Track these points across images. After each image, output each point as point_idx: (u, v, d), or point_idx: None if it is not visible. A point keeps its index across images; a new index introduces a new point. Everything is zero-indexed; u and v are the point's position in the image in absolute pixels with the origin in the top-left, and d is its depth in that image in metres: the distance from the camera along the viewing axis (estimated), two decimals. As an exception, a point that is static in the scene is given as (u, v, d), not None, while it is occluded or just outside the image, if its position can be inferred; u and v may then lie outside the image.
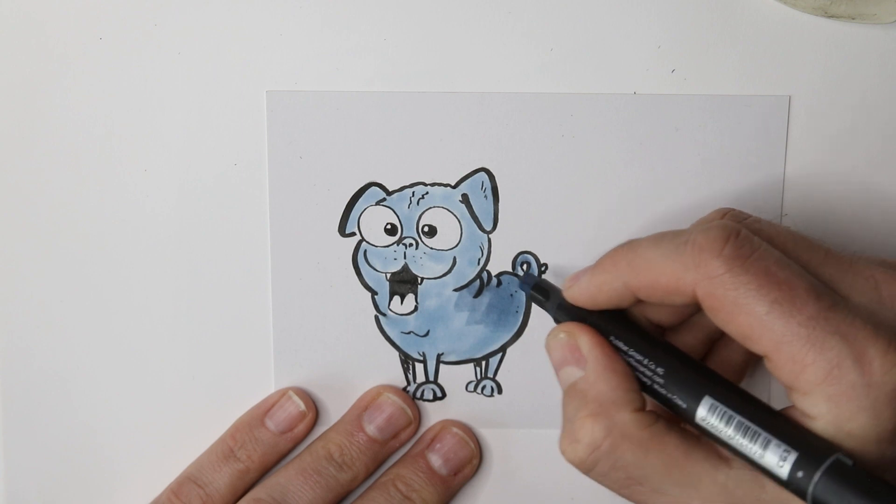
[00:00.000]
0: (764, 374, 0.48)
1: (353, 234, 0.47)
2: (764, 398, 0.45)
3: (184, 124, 0.46)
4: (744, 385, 0.44)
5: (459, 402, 0.49)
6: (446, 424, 0.49)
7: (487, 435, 0.49)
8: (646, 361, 0.41)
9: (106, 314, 0.48)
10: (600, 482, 0.40)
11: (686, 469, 0.39)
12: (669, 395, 0.40)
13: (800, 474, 0.36)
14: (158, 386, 0.49)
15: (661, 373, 0.40)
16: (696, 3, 0.45)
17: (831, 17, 0.45)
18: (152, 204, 0.47)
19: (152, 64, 0.46)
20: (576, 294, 0.42)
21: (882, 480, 0.36)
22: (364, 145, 0.46)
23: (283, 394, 0.48)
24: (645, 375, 0.40)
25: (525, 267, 0.47)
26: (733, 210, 0.42)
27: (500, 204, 0.47)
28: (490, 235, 0.47)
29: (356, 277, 0.48)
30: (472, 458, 0.48)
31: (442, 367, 0.48)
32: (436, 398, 0.49)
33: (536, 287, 0.45)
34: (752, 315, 0.37)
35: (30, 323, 0.48)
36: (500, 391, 0.49)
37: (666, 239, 0.39)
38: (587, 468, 0.40)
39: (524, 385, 0.49)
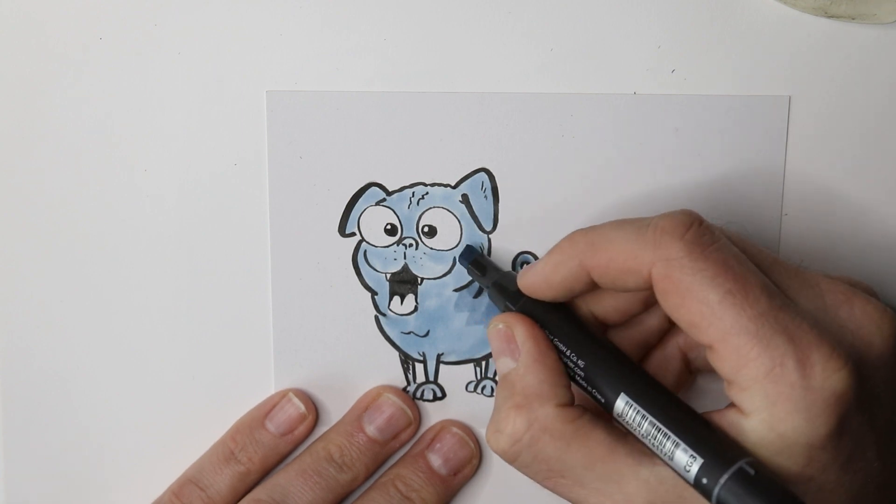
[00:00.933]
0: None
1: (353, 234, 0.47)
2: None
3: (184, 124, 0.46)
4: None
5: (459, 402, 0.49)
6: (446, 424, 0.49)
7: (487, 435, 0.49)
8: (568, 353, 0.41)
9: (106, 314, 0.48)
10: (524, 473, 0.41)
11: (608, 464, 0.39)
12: (590, 389, 0.40)
13: (704, 480, 0.36)
14: (158, 386, 0.49)
15: (581, 365, 0.41)
16: (696, 3, 0.45)
17: (831, 17, 0.45)
18: (152, 204, 0.47)
19: (152, 64, 0.46)
20: (529, 280, 0.42)
21: (785, 489, 0.36)
22: (364, 145, 0.47)
23: (283, 395, 0.48)
24: (568, 367, 0.41)
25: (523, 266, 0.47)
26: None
27: (500, 204, 0.47)
28: (490, 235, 0.47)
29: (356, 277, 0.48)
30: (471, 458, 0.48)
31: (442, 367, 0.48)
32: (436, 398, 0.49)
33: (475, 263, 0.46)
34: (703, 302, 0.37)
35: (30, 323, 0.48)
36: (500, 391, 0.49)
37: (628, 221, 0.40)
38: (510, 459, 0.41)
39: (524, 385, 0.48)
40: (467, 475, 0.48)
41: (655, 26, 0.46)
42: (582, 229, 0.41)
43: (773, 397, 0.36)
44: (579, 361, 0.41)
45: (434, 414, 0.49)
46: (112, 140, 0.47)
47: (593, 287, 0.41)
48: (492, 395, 0.49)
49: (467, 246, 0.47)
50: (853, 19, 0.45)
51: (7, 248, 0.47)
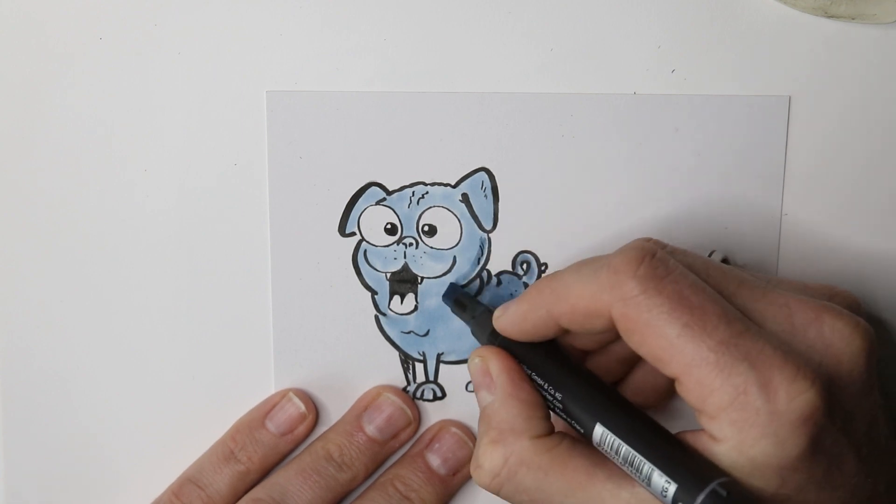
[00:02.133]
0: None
1: (353, 233, 0.47)
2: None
3: (184, 124, 0.46)
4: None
5: (459, 402, 0.49)
6: (445, 424, 0.49)
7: (487, 435, 0.49)
8: (546, 386, 0.42)
9: (106, 314, 0.48)
10: (511, 503, 0.42)
11: (588, 489, 0.40)
12: (569, 420, 0.41)
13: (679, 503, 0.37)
14: (158, 386, 0.49)
15: (559, 398, 0.41)
16: (696, 3, 0.45)
17: (831, 17, 0.45)
18: (152, 204, 0.47)
19: (152, 64, 0.46)
20: (503, 324, 0.43)
21: None
22: (364, 145, 0.46)
23: (283, 395, 0.48)
24: (547, 399, 0.42)
25: (524, 266, 0.48)
26: (654, 239, 0.42)
27: (499, 203, 0.47)
28: (490, 235, 0.47)
29: (356, 277, 0.48)
30: (470, 458, 0.48)
31: (442, 366, 0.48)
32: (436, 398, 0.49)
33: (457, 301, 0.47)
34: (663, 337, 0.37)
35: (30, 323, 0.48)
36: (500, 391, 0.49)
37: (586, 264, 0.40)
38: (493, 490, 0.42)
39: (524, 385, 0.49)
40: (466, 475, 0.48)
41: (655, 26, 0.46)
42: (547, 276, 0.42)
43: (739, 424, 0.37)
44: (556, 394, 0.42)
45: (434, 414, 0.49)
46: (112, 140, 0.47)
47: (565, 331, 0.42)
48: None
49: (450, 284, 0.47)
50: (853, 19, 0.45)
51: (7, 248, 0.47)
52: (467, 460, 0.48)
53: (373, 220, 0.47)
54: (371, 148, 0.47)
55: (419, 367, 0.49)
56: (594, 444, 0.40)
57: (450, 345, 0.48)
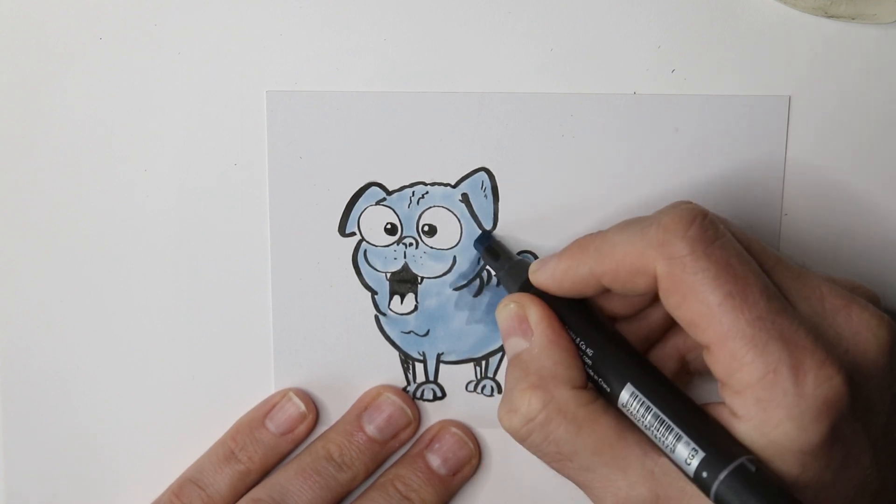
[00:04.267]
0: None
1: (353, 233, 0.47)
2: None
3: (184, 124, 0.46)
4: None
5: (459, 401, 0.49)
6: (445, 424, 0.49)
7: (487, 435, 0.49)
8: (577, 341, 0.41)
9: (106, 314, 0.48)
10: (532, 452, 0.41)
11: (616, 451, 0.39)
12: (597, 378, 0.40)
13: (704, 474, 0.37)
14: (158, 386, 0.49)
15: (590, 354, 0.41)
16: (696, 3, 0.45)
17: (831, 17, 0.45)
18: (152, 204, 0.47)
19: (152, 64, 0.46)
20: (541, 279, 0.42)
21: (784, 489, 0.36)
22: (364, 145, 0.47)
23: (283, 395, 0.48)
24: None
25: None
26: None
27: (499, 203, 0.47)
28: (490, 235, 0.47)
29: (356, 277, 0.48)
30: (470, 458, 0.48)
31: (442, 366, 0.48)
32: (436, 398, 0.49)
33: (488, 249, 0.46)
34: (703, 303, 0.37)
35: (30, 323, 0.48)
36: (500, 391, 0.49)
37: (631, 223, 0.40)
38: (521, 438, 0.41)
39: (524, 385, 0.48)
40: (466, 475, 0.48)
41: (655, 26, 0.46)
42: (591, 235, 0.41)
43: (764, 403, 0.36)
44: (588, 350, 0.41)
45: (434, 414, 0.49)
46: (112, 140, 0.47)
47: (605, 290, 0.41)
48: (492, 395, 0.49)
49: (482, 232, 0.47)
50: (853, 19, 0.45)
51: (7, 248, 0.47)
52: (467, 460, 0.48)
53: (373, 220, 0.47)
54: (371, 148, 0.47)
55: (419, 367, 0.49)
56: (619, 405, 0.39)
57: (450, 345, 0.48)
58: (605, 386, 0.40)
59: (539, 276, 0.42)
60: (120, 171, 0.47)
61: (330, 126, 0.46)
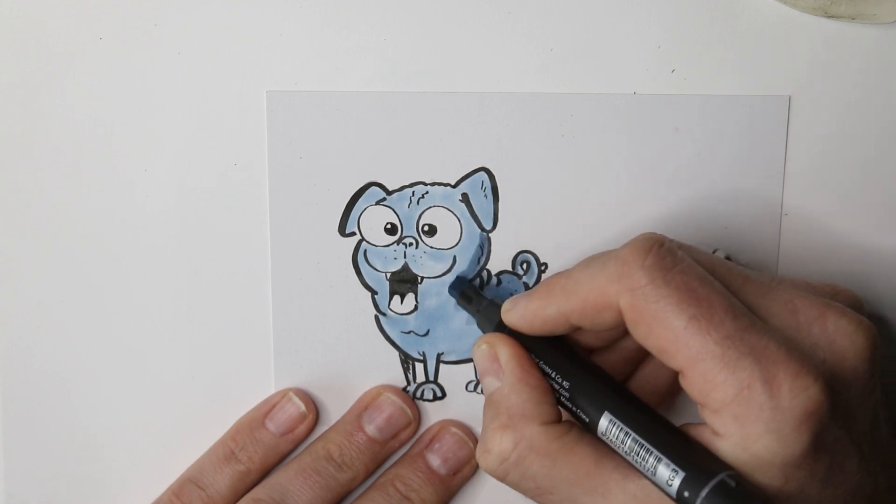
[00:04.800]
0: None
1: (353, 233, 0.47)
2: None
3: (184, 124, 0.46)
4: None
5: (459, 401, 0.49)
6: (445, 424, 0.49)
7: (487, 435, 0.49)
8: (553, 374, 0.42)
9: (106, 314, 0.48)
10: (515, 489, 0.42)
11: (595, 479, 0.40)
12: (574, 409, 0.41)
13: (686, 494, 0.37)
14: (158, 386, 0.49)
15: (566, 386, 0.41)
16: (696, 3, 0.45)
17: (831, 17, 0.45)
18: (152, 204, 0.47)
19: (152, 64, 0.46)
20: (513, 319, 0.43)
21: (766, 501, 0.36)
22: (364, 145, 0.46)
23: (283, 395, 0.48)
24: (553, 388, 0.42)
25: (524, 266, 0.48)
26: (660, 234, 0.42)
27: (499, 203, 0.47)
28: (490, 234, 0.47)
29: (356, 277, 0.48)
30: (470, 458, 0.48)
31: (442, 366, 0.48)
32: (436, 398, 0.49)
33: (462, 294, 0.47)
34: (669, 329, 0.37)
35: (30, 323, 0.48)
36: (500, 391, 0.49)
37: (594, 259, 0.40)
38: (499, 477, 0.41)
39: (524, 385, 0.48)
40: (466, 475, 0.48)
41: (655, 26, 0.46)
42: (558, 274, 0.41)
43: (742, 419, 0.36)
44: (564, 382, 0.41)
45: (434, 414, 0.49)
46: (112, 140, 0.47)
47: (576, 328, 0.41)
48: (492, 395, 0.49)
49: (457, 276, 0.47)
50: (853, 19, 0.45)
51: (7, 248, 0.47)
52: (467, 460, 0.48)
53: (373, 220, 0.47)
54: (371, 148, 0.47)
55: (419, 367, 0.49)
56: (599, 433, 0.40)
57: (450, 345, 0.48)
58: (583, 416, 0.41)
59: (510, 316, 0.43)
60: (120, 171, 0.47)
61: (330, 126, 0.46)
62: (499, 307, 0.44)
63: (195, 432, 0.48)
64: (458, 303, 0.47)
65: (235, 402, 0.48)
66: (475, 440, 0.49)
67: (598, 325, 0.40)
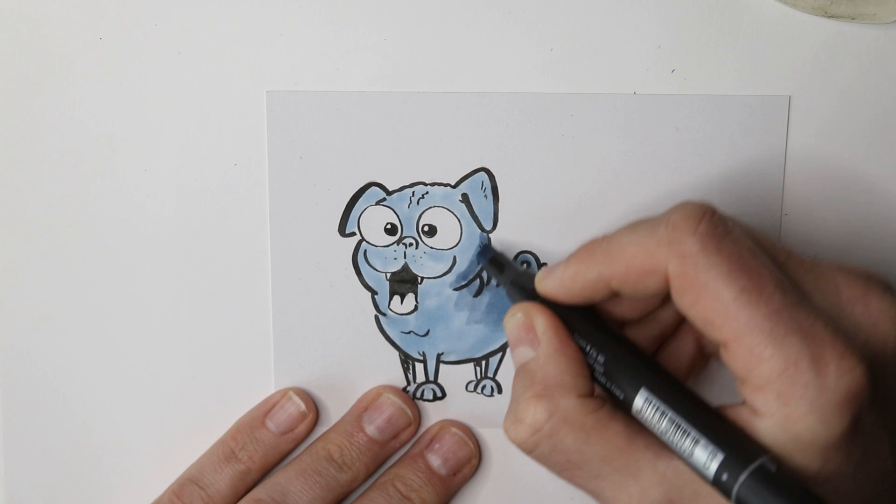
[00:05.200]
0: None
1: (353, 233, 0.47)
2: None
3: (184, 124, 0.46)
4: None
5: (459, 401, 0.49)
6: (445, 424, 0.49)
7: (487, 435, 0.49)
8: (588, 348, 0.41)
9: (106, 314, 0.48)
10: (541, 463, 0.40)
11: (626, 456, 0.38)
12: (608, 384, 0.40)
13: (724, 476, 0.36)
14: (158, 386, 0.49)
15: (601, 361, 0.40)
16: (696, 3, 0.45)
17: (831, 17, 0.45)
18: (152, 204, 0.47)
19: (152, 64, 0.46)
20: (549, 286, 0.41)
21: (805, 488, 0.35)
22: (364, 145, 0.47)
23: (283, 394, 0.48)
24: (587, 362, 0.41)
25: (525, 266, 0.47)
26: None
27: (499, 203, 0.47)
28: (490, 235, 0.47)
29: (356, 277, 0.48)
30: (471, 458, 0.48)
31: (442, 366, 0.48)
32: (436, 398, 0.49)
33: (493, 261, 0.46)
34: (718, 300, 0.37)
35: (30, 323, 0.48)
36: (500, 391, 0.49)
37: (640, 224, 0.39)
38: (528, 449, 0.40)
39: (524, 385, 0.48)
40: (466, 475, 0.48)
41: (655, 26, 0.46)
42: (598, 238, 0.40)
43: (786, 397, 0.36)
44: (599, 356, 0.40)
45: (434, 414, 0.49)
46: (112, 140, 0.47)
47: (614, 295, 0.40)
48: (492, 395, 0.49)
49: (484, 244, 0.47)
50: (853, 19, 0.45)
51: (7, 248, 0.47)
52: (467, 460, 0.48)
53: (373, 220, 0.47)
54: (371, 148, 0.47)
55: (419, 367, 0.49)
56: (633, 411, 0.39)
57: (450, 345, 0.48)
58: (617, 392, 0.39)
59: (546, 283, 0.41)
60: (120, 170, 0.47)
61: (330, 126, 0.46)
62: (531, 276, 0.43)
63: (195, 432, 0.48)
64: (488, 269, 0.46)
65: (235, 402, 0.48)
66: (475, 440, 0.49)
67: (640, 291, 0.39)
